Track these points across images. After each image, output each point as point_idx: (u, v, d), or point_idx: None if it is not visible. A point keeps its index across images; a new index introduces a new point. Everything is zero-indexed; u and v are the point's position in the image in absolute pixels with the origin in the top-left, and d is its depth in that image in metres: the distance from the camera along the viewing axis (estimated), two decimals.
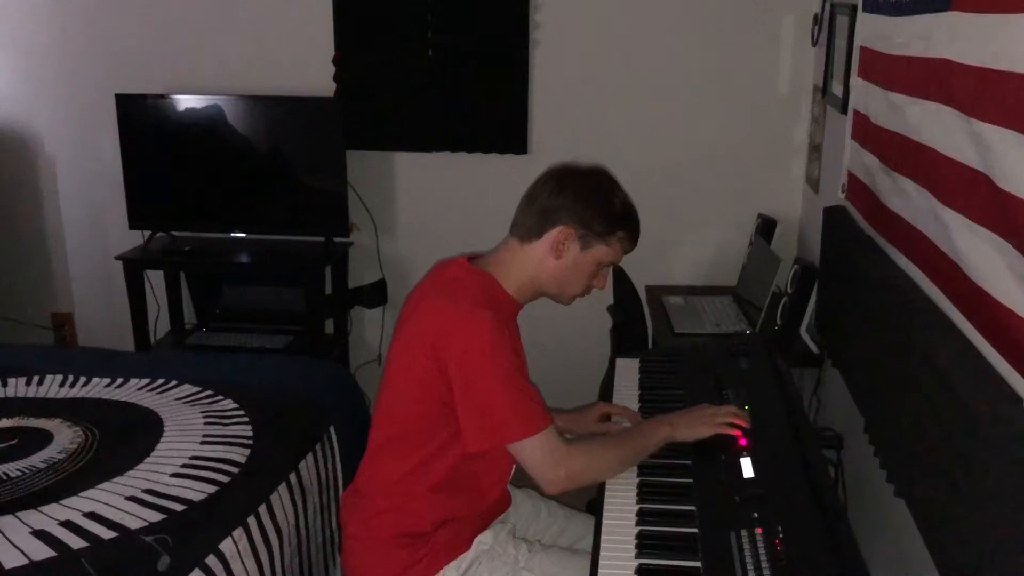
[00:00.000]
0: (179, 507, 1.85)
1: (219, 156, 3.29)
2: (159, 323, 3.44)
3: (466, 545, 1.75)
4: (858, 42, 2.16)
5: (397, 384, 1.73)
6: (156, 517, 1.80)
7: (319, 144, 3.22)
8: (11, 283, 3.73)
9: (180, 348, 3.34)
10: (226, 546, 1.78)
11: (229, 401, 2.33)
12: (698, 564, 1.38)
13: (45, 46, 3.46)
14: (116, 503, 1.85)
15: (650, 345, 2.82)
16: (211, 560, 1.73)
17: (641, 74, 3.16)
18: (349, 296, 3.44)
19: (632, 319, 2.72)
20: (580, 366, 3.16)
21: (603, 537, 1.49)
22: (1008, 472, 1.11)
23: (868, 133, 2.02)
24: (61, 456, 2.05)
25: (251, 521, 1.88)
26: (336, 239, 3.30)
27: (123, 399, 2.36)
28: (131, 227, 3.34)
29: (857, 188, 2.12)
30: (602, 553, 1.44)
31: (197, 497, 1.89)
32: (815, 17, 2.85)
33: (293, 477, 2.08)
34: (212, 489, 1.92)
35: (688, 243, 3.27)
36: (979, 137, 1.31)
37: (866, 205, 2.03)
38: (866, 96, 2.05)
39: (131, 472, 1.98)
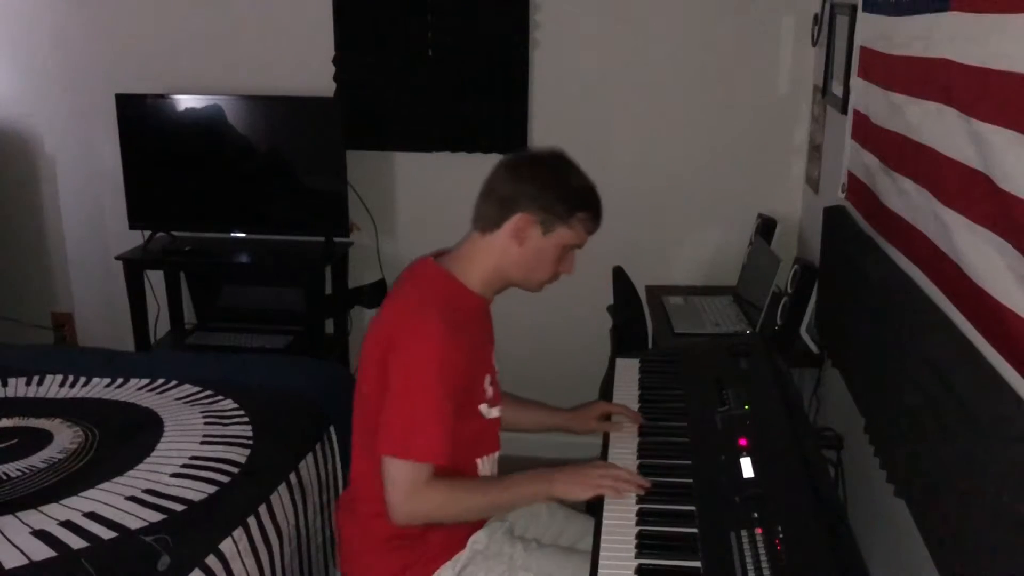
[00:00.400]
0: (179, 507, 1.85)
1: (219, 156, 3.29)
2: (159, 323, 3.44)
3: (461, 545, 1.75)
4: (858, 42, 2.16)
5: (363, 390, 1.73)
6: (156, 517, 1.81)
7: (319, 144, 3.22)
8: (11, 283, 3.72)
9: (180, 348, 3.34)
10: (226, 546, 1.78)
11: (229, 401, 2.33)
12: (698, 564, 1.38)
13: (45, 46, 3.46)
14: (116, 503, 1.85)
15: (650, 345, 2.82)
16: (211, 560, 1.73)
17: (641, 74, 3.16)
18: (349, 296, 3.44)
19: (632, 319, 2.71)
20: (580, 366, 3.16)
21: (603, 537, 1.49)
22: (1008, 472, 1.11)
23: (868, 133, 2.02)
24: (61, 456, 2.05)
25: (251, 521, 1.88)
26: (336, 239, 3.30)
27: (123, 399, 2.36)
28: (131, 227, 3.34)
29: (857, 188, 2.12)
30: (602, 553, 1.44)
31: (197, 497, 1.89)
32: (815, 17, 2.85)
33: (293, 477, 2.08)
34: (212, 489, 1.92)
35: (688, 243, 3.27)
36: (979, 137, 1.31)
37: (866, 205, 2.03)
38: (866, 96, 2.05)
39: (131, 472, 1.99)
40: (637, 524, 1.51)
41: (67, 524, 1.78)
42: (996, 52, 1.26)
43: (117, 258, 3.28)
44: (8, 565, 1.64)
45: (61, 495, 1.88)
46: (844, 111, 2.29)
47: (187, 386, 2.42)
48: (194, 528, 1.79)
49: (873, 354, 1.76)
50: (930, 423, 1.38)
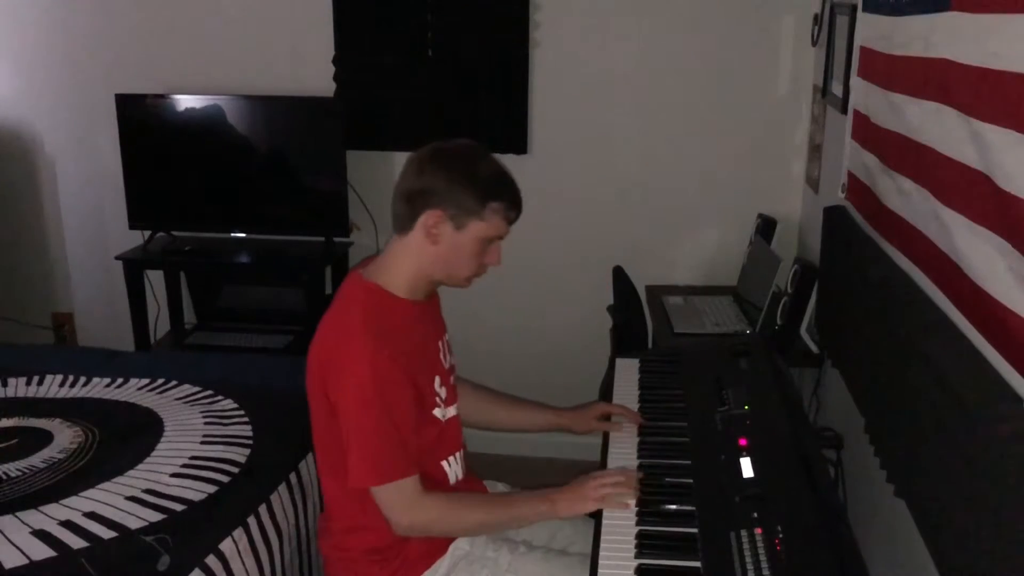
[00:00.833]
0: (179, 507, 1.85)
1: (219, 156, 3.29)
2: (159, 323, 3.44)
3: (441, 551, 1.73)
4: (858, 42, 2.15)
5: (311, 410, 1.71)
6: (156, 517, 1.81)
7: (319, 144, 3.22)
8: (11, 283, 3.73)
9: (180, 348, 3.34)
10: (226, 546, 1.78)
11: (229, 401, 2.33)
12: (698, 564, 1.38)
13: (45, 46, 3.46)
14: (116, 503, 1.86)
15: (650, 345, 2.82)
16: (211, 560, 1.73)
17: (641, 74, 3.16)
18: None
19: (632, 319, 2.72)
20: (580, 366, 3.16)
21: (603, 537, 1.49)
22: (1008, 472, 1.11)
23: (868, 133, 2.02)
24: (61, 456, 2.05)
25: (251, 521, 1.88)
26: (336, 239, 3.30)
27: (123, 399, 2.36)
28: (131, 227, 3.34)
29: (857, 188, 2.12)
30: (602, 553, 1.44)
31: (197, 497, 1.89)
32: (815, 17, 2.85)
33: (293, 477, 2.08)
34: (212, 489, 1.92)
35: (688, 243, 3.27)
36: (979, 137, 1.31)
37: (866, 205, 2.03)
38: (866, 96, 2.05)
39: (131, 472, 1.99)
40: (637, 524, 1.51)
41: (67, 524, 1.78)
42: (996, 52, 1.26)
43: (117, 258, 3.28)
44: (8, 565, 1.64)
45: (61, 495, 1.88)
46: (844, 111, 2.29)
47: (187, 386, 2.42)
48: (194, 528, 1.79)
49: (873, 354, 1.76)
50: (930, 423, 1.38)
